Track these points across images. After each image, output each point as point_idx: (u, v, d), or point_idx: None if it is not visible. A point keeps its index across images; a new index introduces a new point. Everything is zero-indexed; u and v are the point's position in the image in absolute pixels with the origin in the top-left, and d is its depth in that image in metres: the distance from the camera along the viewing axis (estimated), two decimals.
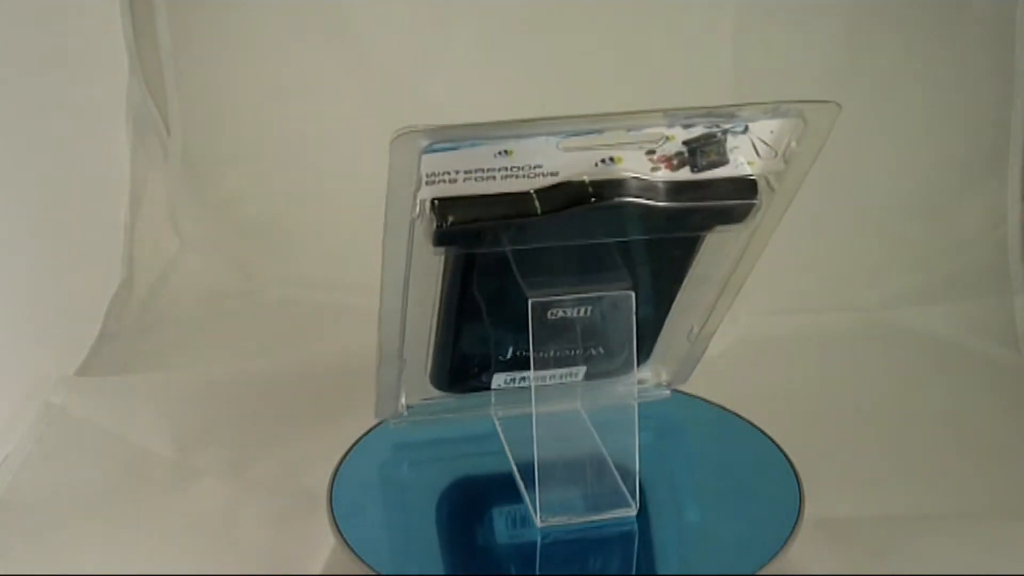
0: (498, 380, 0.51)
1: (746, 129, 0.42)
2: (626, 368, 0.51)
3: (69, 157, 0.74)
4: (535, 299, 0.46)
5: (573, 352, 0.48)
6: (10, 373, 0.64)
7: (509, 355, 0.50)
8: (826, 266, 0.77)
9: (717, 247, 0.48)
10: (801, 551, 0.47)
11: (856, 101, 0.75)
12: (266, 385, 0.67)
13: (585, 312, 0.46)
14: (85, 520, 0.54)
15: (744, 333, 0.74)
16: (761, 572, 0.45)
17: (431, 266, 0.45)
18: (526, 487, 0.49)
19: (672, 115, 0.41)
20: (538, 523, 0.47)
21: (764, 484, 0.52)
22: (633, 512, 0.48)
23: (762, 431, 0.53)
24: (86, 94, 0.77)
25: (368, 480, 0.52)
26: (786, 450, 0.53)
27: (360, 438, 0.54)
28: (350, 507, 0.49)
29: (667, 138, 0.42)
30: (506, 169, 0.42)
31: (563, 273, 0.46)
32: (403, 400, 0.52)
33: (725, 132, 0.42)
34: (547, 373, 0.48)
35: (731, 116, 0.42)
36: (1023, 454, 0.60)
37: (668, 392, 0.54)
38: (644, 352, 0.52)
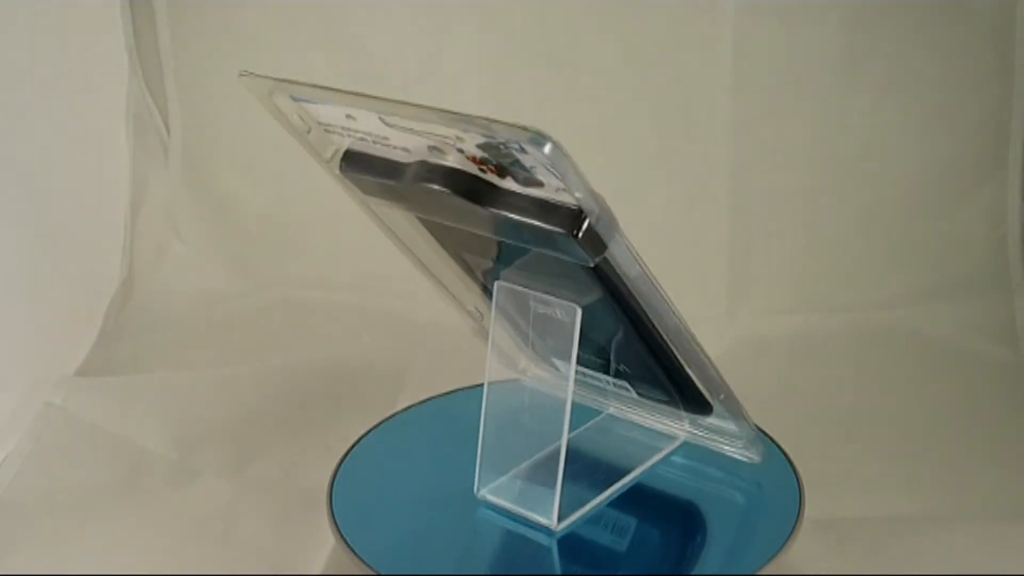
0: (557, 364, 0.51)
1: (521, 149, 0.37)
2: (685, 408, 0.52)
3: (69, 157, 0.74)
4: (501, 282, 0.47)
5: (530, 345, 0.49)
6: (10, 373, 0.64)
7: None
8: (826, 266, 0.77)
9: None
10: (801, 551, 0.47)
11: (856, 101, 0.76)
12: (266, 385, 0.68)
13: (559, 314, 0.47)
14: (85, 520, 0.54)
15: (744, 333, 0.74)
16: (761, 572, 0.45)
17: (400, 214, 0.48)
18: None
19: (444, 115, 0.38)
20: (476, 494, 0.49)
21: (764, 484, 0.51)
22: (551, 526, 0.47)
23: (762, 431, 0.53)
24: (86, 94, 0.77)
25: (368, 480, 0.52)
26: (786, 450, 0.53)
27: (360, 438, 0.54)
28: (350, 507, 0.49)
29: (458, 138, 0.39)
30: (371, 135, 0.43)
31: (546, 274, 0.46)
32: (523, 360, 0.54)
33: (505, 146, 0.38)
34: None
35: (485, 126, 0.37)
36: (1023, 454, 0.60)
37: (758, 458, 0.51)
38: (693, 403, 0.51)
